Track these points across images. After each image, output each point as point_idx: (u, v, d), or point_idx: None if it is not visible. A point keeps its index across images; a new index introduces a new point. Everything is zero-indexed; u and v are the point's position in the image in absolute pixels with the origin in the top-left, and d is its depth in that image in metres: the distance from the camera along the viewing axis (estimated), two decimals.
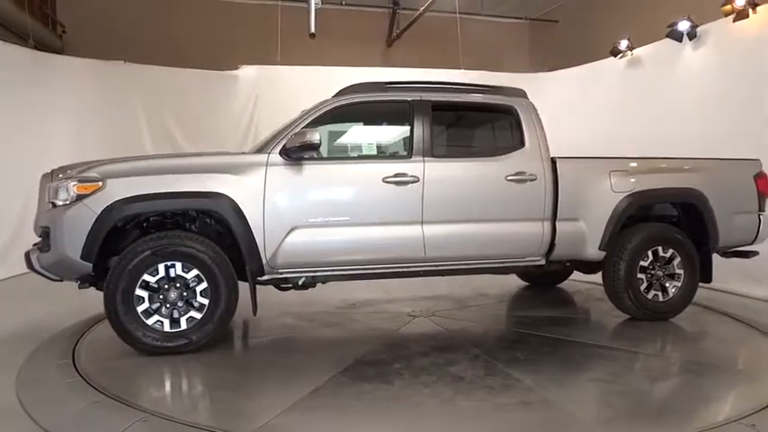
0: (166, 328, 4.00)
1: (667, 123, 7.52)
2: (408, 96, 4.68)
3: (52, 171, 4.27)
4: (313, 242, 4.26)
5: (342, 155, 4.95)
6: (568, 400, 3.27)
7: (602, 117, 8.82)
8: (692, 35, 7.31)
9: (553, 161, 4.73)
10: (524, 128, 4.76)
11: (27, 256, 4.14)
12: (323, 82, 7.26)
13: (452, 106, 4.95)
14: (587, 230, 4.75)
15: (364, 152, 4.90)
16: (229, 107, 9.69)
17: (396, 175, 4.38)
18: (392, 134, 5.24)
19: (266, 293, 4.64)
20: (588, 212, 4.75)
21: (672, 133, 7.30)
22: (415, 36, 11.93)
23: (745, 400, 3.29)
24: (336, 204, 4.36)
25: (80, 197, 3.90)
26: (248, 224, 4.08)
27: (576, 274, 6.06)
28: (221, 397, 3.47)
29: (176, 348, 4.00)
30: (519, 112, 4.81)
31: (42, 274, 4.09)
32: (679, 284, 4.94)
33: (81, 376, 3.60)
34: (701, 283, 5.05)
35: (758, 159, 5.28)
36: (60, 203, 3.94)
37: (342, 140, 5.01)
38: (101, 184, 3.93)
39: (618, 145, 7.56)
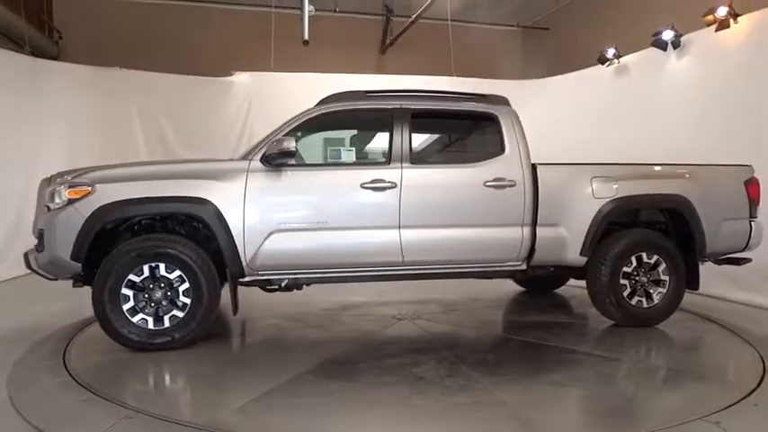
0: (150, 325, 4.18)
1: (653, 130, 7.65)
2: (389, 105, 4.80)
3: (50, 176, 4.46)
4: (291, 246, 4.39)
5: (322, 161, 5.03)
6: (522, 402, 3.30)
7: (590, 123, 8.95)
8: (676, 44, 7.45)
9: (534, 167, 4.78)
10: (505, 135, 4.81)
11: (26, 256, 4.37)
12: (316, 88, 7.37)
13: (433, 114, 5.03)
14: (568, 236, 4.77)
15: (344, 159, 4.97)
16: (223, 113, 9.81)
17: (373, 181, 4.49)
18: (372, 141, 5.36)
19: (261, 295, 4.82)
20: (569, 218, 4.77)
21: (658, 139, 7.42)
22: (408, 43, 12.09)
23: (712, 401, 3.30)
24: (314, 209, 4.47)
25: (71, 201, 4.13)
26: (228, 227, 4.24)
27: (575, 280, 5.93)
28: (192, 393, 3.72)
29: (160, 345, 4.16)
30: (500, 119, 4.86)
31: (39, 273, 4.33)
32: (664, 291, 4.89)
33: (71, 376, 3.70)
34: (690, 290, 5.01)
35: (750, 165, 5.22)
36: (54, 207, 4.18)
37: (322, 148, 5.11)
38: (90, 189, 4.16)
39: (606, 151, 7.69)
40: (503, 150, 4.79)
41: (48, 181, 4.43)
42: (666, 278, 4.90)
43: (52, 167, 8.16)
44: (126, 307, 4.13)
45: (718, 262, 5.26)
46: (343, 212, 4.50)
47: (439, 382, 3.61)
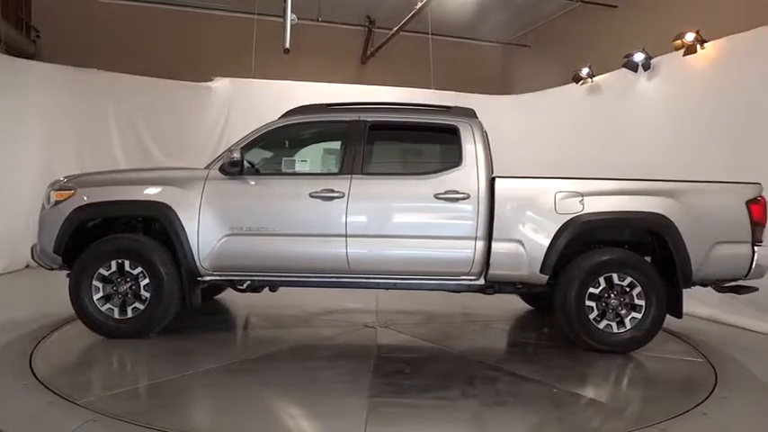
0: (116, 315, 4.65)
1: (625, 146, 7.85)
2: (347, 117, 4.94)
3: (56, 180, 5.02)
4: (241, 249, 4.66)
5: (278, 171, 5.12)
6: (380, 414, 3.32)
7: (566, 139, 9.17)
8: (646, 66, 7.71)
9: (493, 180, 4.67)
10: (463, 147, 4.75)
11: (32, 248, 4.93)
12: (296, 96, 7.45)
13: (391, 126, 5.08)
14: (527, 252, 4.56)
15: (299, 169, 5.10)
16: (202, 118, 9.78)
17: (322, 191, 4.63)
18: (328, 152, 5.48)
19: (260, 296, 5.20)
20: (529, 234, 4.58)
21: (629, 156, 7.58)
22: (389, 55, 12.23)
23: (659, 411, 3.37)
24: (264, 216, 4.69)
25: (57, 202, 4.75)
26: (184, 229, 4.61)
27: None
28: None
29: (123, 333, 4.61)
30: (460, 131, 4.81)
31: (39, 264, 4.91)
32: (639, 316, 4.54)
33: (36, 378, 3.71)
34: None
35: (758, 183, 4.71)
36: (47, 207, 4.82)
37: (281, 158, 5.20)
38: (73, 192, 4.74)
39: (581, 166, 7.84)
40: (460, 162, 4.73)
41: (53, 184, 4.97)
42: (642, 303, 4.55)
43: (26, 168, 8.17)
44: (96, 297, 4.61)
45: (721, 290, 4.82)
46: (291, 220, 4.69)
47: (326, 386, 3.80)
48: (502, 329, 5.78)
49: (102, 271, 4.62)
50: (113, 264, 4.63)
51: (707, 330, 5.65)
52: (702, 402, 3.59)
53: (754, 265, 4.58)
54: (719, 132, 6.51)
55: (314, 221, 4.65)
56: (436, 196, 4.60)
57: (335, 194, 4.61)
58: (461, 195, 4.60)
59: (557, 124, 9.51)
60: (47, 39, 10.90)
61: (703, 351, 4.85)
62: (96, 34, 10.80)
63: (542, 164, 8.24)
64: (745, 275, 4.63)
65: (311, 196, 4.62)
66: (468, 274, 4.67)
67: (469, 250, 4.60)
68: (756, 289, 4.71)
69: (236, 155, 4.60)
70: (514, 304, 6.22)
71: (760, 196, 4.66)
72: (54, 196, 4.76)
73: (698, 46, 6.88)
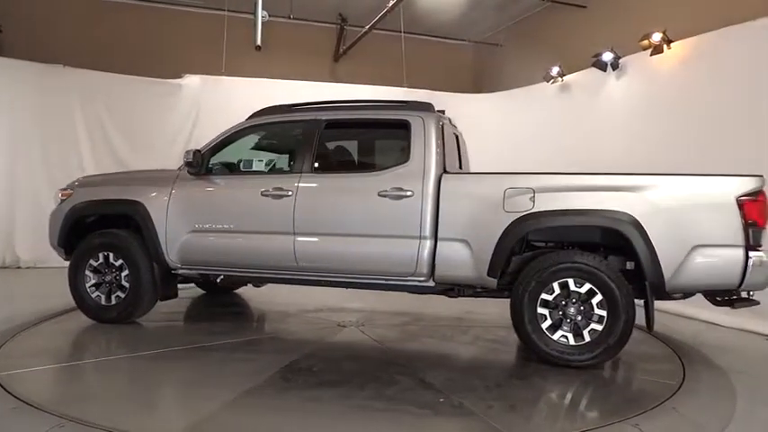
0: (103, 302, 5.20)
1: (594, 145, 7.99)
2: (304, 116, 4.99)
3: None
4: (202, 245, 4.96)
5: (238, 171, 5.20)
6: (236, 404, 3.37)
7: (536, 138, 9.28)
8: (615, 65, 7.84)
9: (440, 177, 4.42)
10: (413, 143, 4.54)
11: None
12: (268, 94, 7.38)
13: (345, 123, 5.03)
14: (474, 253, 4.27)
15: (255, 168, 5.19)
16: (171, 116, 9.59)
17: (273, 189, 4.74)
18: (284, 151, 5.59)
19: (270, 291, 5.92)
20: (476, 233, 4.27)
21: (598, 155, 7.73)
22: (362, 52, 12.16)
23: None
24: (221, 213, 4.95)
25: (62, 201, 5.39)
26: (154, 225, 4.97)
27: None
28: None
29: (108, 319, 5.15)
30: (411, 126, 4.60)
31: (59, 255, 5.46)
32: (600, 328, 4.02)
33: None
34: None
35: (759, 176, 3.98)
36: (56, 205, 5.45)
37: (243, 158, 5.27)
38: (72, 191, 5.36)
39: (551, 164, 7.95)
40: (408, 158, 4.54)
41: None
42: (603, 313, 4.02)
43: None
44: (87, 285, 5.18)
45: (718, 303, 4.24)
46: (245, 218, 4.87)
47: (226, 379, 3.87)
48: (475, 336, 5.28)
49: (92, 262, 5.16)
50: (101, 256, 5.14)
51: (672, 325, 5.72)
52: (672, 396, 3.65)
53: (748, 274, 3.85)
54: (686, 130, 6.67)
55: (264, 219, 4.76)
56: (380, 194, 4.48)
57: (284, 193, 4.69)
58: (406, 192, 4.43)
59: (528, 122, 9.63)
60: (10, 34, 10.53)
61: (670, 345, 4.93)
62: (62, 30, 10.49)
63: (513, 162, 8.29)
64: (738, 285, 3.92)
65: (262, 195, 4.72)
66: (414, 274, 4.45)
67: (413, 249, 4.40)
68: (757, 302, 4.07)
69: (190, 156, 4.85)
70: None
71: (759, 192, 3.92)
72: (59, 195, 5.41)
73: (664, 46, 7.05)
